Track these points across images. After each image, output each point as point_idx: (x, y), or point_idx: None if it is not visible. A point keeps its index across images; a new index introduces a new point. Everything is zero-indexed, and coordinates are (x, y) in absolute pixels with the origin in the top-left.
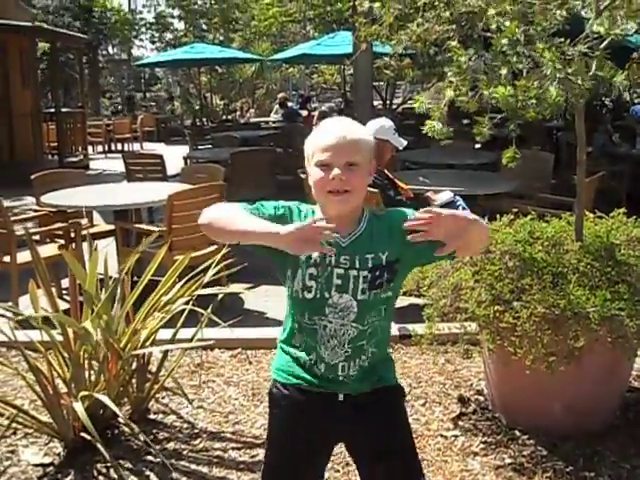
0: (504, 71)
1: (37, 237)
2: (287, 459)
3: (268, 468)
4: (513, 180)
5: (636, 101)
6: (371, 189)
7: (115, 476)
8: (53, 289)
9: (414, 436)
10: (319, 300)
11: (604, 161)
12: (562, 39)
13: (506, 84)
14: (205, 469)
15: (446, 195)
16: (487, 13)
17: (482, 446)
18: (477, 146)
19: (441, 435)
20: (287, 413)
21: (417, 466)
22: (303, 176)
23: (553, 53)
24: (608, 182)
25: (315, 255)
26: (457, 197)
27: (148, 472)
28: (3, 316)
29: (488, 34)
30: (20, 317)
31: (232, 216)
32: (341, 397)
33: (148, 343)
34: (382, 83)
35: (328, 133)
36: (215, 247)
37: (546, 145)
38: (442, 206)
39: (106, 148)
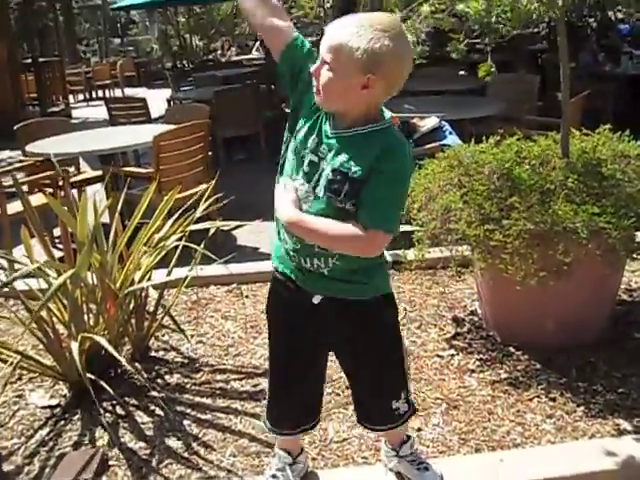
0: None
1: (25, 187)
2: (280, 349)
3: (270, 359)
4: (499, 103)
5: (621, 21)
6: None
7: (121, 412)
8: (46, 238)
9: (411, 358)
10: (289, 177)
11: (589, 81)
12: None
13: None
14: (209, 400)
15: (432, 121)
16: None
17: (478, 363)
18: (461, 73)
19: (437, 355)
20: (276, 304)
21: (388, 384)
22: (287, 110)
23: None
24: (594, 102)
25: (304, 132)
26: (443, 122)
27: (153, 407)
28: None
29: None
30: (17, 268)
31: None
32: (316, 300)
33: (144, 282)
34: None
35: (333, 26)
36: (204, 186)
37: (531, 68)
38: (429, 132)
39: (87, 96)
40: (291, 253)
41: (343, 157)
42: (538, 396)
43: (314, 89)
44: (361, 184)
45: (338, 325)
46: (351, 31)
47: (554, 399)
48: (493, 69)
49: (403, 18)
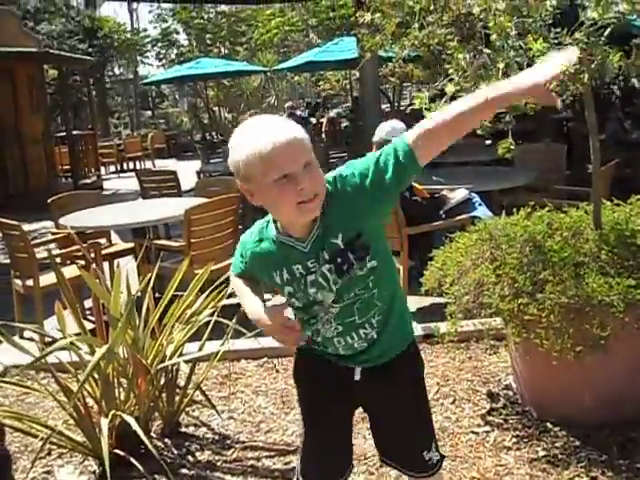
0: (501, 65)
1: (57, 259)
2: (311, 414)
3: (302, 444)
4: (527, 174)
5: None
6: None
7: None
8: (78, 309)
9: (445, 434)
10: (306, 306)
11: (617, 149)
12: (559, 29)
13: (499, 78)
14: (239, 479)
15: (461, 193)
16: (480, 14)
17: (514, 440)
18: (488, 142)
19: (472, 432)
20: (307, 379)
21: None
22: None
23: (540, 44)
24: (623, 170)
25: (285, 275)
26: (473, 194)
27: None
28: (31, 339)
29: (489, 31)
30: (48, 341)
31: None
32: (357, 376)
33: (175, 357)
34: (389, 85)
35: (270, 139)
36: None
37: (557, 137)
38: (459, 204)
39: (118, 168)
40: (326, 336)
41: (324, 248)
42: (578, 475)
43: (310, 203)
44: (360, 238)
45: (378, 387)
46: (289, 123)
47: (595, 478)
48: (512, 147)
49: (431, 98)
